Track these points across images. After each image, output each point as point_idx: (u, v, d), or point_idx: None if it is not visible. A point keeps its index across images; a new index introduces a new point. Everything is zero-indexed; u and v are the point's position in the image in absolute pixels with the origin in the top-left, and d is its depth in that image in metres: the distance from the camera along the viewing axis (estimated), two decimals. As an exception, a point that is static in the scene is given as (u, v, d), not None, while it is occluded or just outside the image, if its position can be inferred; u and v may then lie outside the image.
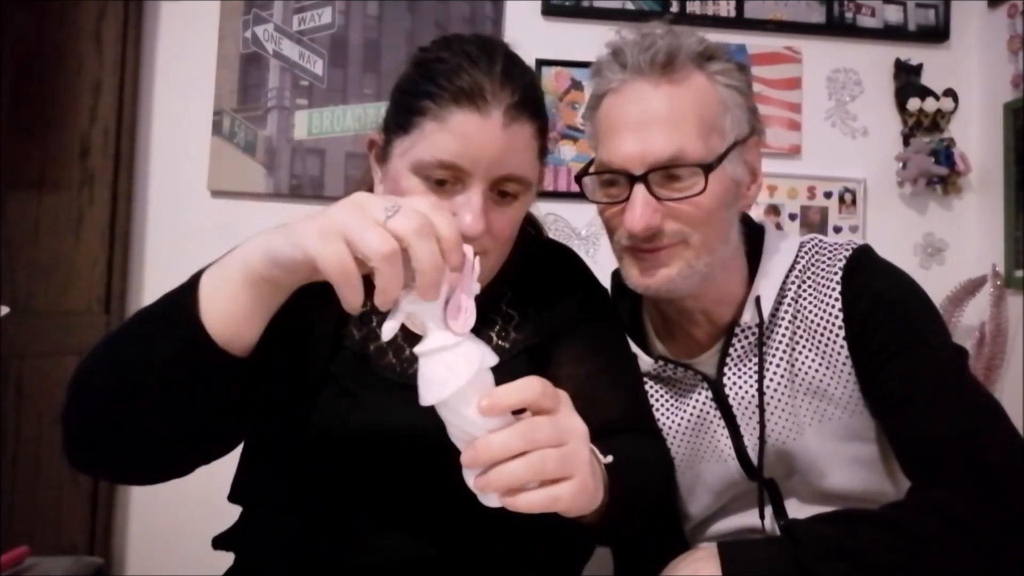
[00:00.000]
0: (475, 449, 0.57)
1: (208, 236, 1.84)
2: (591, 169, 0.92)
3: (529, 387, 0.58)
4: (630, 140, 0.84)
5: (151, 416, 0.61)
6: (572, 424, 0.60)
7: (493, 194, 0.78)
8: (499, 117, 0.75)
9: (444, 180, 0.76)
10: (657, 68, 0.85)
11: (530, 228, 0.99)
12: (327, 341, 0.82)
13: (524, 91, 0.77)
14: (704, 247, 0.87)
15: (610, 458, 0.70)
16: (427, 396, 0.57)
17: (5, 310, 1.53)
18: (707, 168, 0.84)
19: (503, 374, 0.60)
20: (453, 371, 0.56)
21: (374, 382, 0.82)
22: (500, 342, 0.86)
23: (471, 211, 0.75)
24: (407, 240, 0.53)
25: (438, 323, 0.58)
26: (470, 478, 0.59)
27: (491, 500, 0.59)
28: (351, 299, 0.54)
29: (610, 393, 0.86)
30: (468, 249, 0.59)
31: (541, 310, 0.89)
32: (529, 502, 0.57)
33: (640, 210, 0.84)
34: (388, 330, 0.57)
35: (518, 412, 0.59)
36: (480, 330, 0.80)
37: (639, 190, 0.84)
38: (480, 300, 0.86)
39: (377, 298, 0.54)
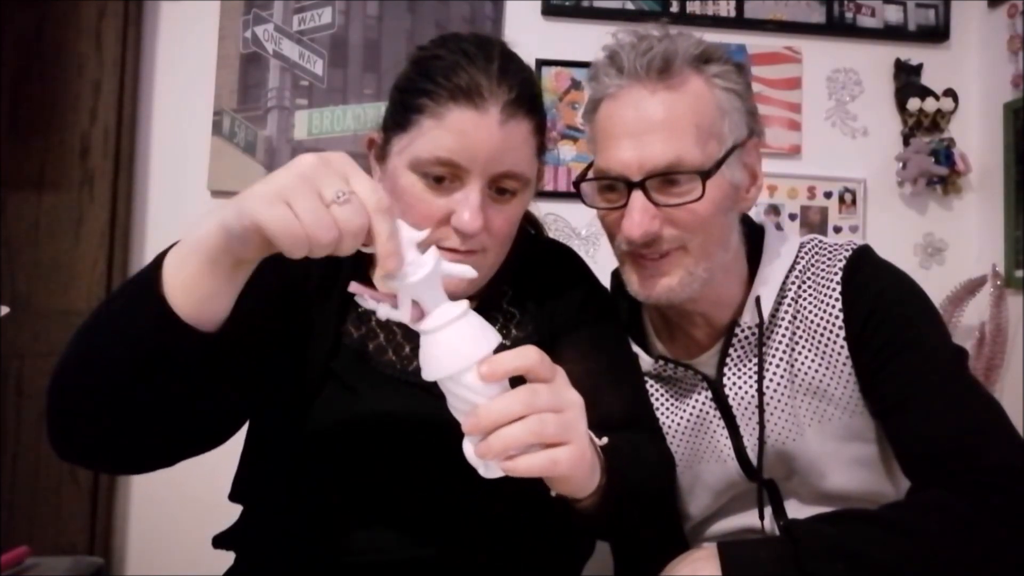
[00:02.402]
0: (476, 415, 0.58)
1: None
2: (589, 174, 0.92)
3: (527, 354, 0.60)
4: (627, 147, 0.84)
5: (124, 399, 0.61)
6: (570, 394, 0.62)
7: (491, 191, 0.78)
8: (496, 114, 0.75)
9: (442, 177, 0.76)
10: (654, 73, 0.84)
11: (530, 227, 0.99)
12: (327, 340, 0.82)
13: (521, 88, 0.77)
14: (703, 253, 0.87)
15: (605, 439, 0.71)
16: (445, 365, 0.58)
17: (5, 310, 1.52)
18: (705, 175, 0.83)
19: None
20: (474, 338, 0.58)
21: (374, 379, 0.82)
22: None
23: (469, 208, 0.75)
24: (343, 233, 0.54)
25: (439, 300, 0.59)
26: (470, 448, 0.60)
27: (491, 470, 0.60)
28: (297, 256, 0.55)
29: (611, 391, 0.86)
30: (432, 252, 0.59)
31: (542, 308, 0.89)
32: (529, 465, 0.59)
33: (638, 217, 0.84)
34: (383, 312, 0.59)
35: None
36: None
37: (637, 196, 0.84)
38: (481, 297, 0.87)
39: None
